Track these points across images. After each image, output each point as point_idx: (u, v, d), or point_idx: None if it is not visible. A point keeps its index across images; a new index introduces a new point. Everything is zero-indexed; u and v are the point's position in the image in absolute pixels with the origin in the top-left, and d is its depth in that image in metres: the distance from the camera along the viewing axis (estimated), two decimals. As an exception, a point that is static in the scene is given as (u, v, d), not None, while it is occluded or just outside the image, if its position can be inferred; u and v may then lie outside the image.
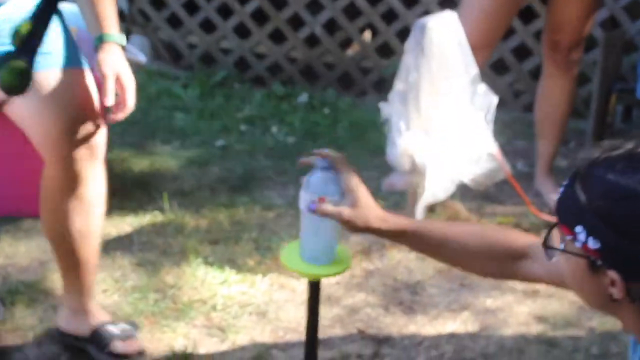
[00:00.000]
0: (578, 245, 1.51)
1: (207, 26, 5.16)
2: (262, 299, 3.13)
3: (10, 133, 2.77)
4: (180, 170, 3.98)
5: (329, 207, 1.92)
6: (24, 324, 2.93)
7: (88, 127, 2.53)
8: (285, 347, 2.90)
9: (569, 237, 1.53)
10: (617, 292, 1.50)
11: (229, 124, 4.55)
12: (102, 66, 2.46)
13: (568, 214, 1.55)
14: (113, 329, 2.83)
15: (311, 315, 2.27)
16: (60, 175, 2.60)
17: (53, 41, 2.48)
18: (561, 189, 1.59)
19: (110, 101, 2.45)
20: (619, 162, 1.52)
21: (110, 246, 3.40)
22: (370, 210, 1.90)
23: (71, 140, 2.52)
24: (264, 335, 2.94)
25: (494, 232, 1.95)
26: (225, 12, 5.11)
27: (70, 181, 2.61)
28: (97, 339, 2.82)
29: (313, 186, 2.02)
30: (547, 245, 1.61)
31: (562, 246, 1.56)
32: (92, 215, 2.72)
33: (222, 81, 5.05)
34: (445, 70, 3.24)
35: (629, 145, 1.55)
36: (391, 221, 1.91)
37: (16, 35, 2.35)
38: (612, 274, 1.49)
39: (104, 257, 3.31)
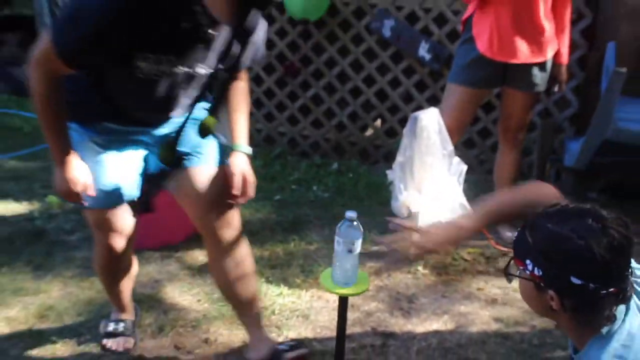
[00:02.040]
0: (527, 272, 1.58)
1: (269, 117, 5.19)
2: (306, 306, 3.14)
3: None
4: (250, 216, 3.98)
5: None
6: (143, 323, 2.96)
7: (225, 207, 2.51)
8: (322, 340, 2.91)
9: (521, 267, 1.60)
10: (555, 304, 1.56)
11: (283, 185, 4.56)
12: (233, 167, 2.45)
13: (520, 251, 1.62)
14: (285, 346, 2.76)
15: (340, 319, 2.33)
16: (213, 240, 2.56)
17: (206, 144, 2.49)
18: (516, 234, 1.65)
19: (237, 191, 2.45)
20: (555, 216, 1.59)
21: (203, 270, 3.41)
22: (438, 229, 1.91)
23: (212, 216, 2.49)
24: (307, 331, 2.95)
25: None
26: (280, 107, 5.14)
27: (218, 246, 2.56)
28: (277, 356, 2.71)
29: (342, 233, 2.08)
30: (506, 272, 1.66)
31: (518, 273, 1.62)
32: (245, 266, 2.65)
33: (279, 154, 5.06)
34: (430, 148, 3.27)
35: (562, 204, 1.62)
36: (467, 225, 1.89)
37: (202, 126, 2.40)
38: (551, 293, 1.56)
39: (197, 277, 3.36)
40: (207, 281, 3.33)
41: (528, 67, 3.51)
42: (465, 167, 3.41)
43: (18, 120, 5.75)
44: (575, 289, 1.51)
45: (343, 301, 2.29)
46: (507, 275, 1.67)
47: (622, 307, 1.58)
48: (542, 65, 3.54)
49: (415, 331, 2.99)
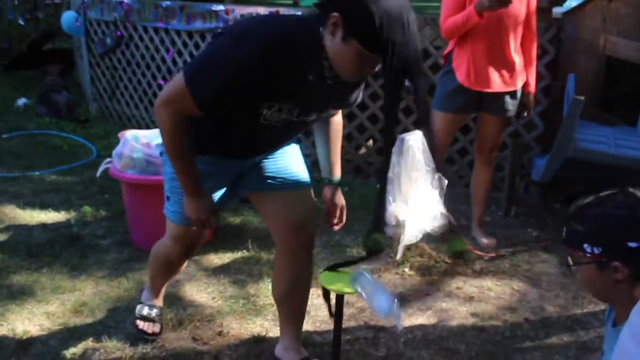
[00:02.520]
0: (588, 255, 1.55)
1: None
2: (308, 303, 3.09)
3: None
4: (259, 224, 3.93)
5: None
6: (165, 317, 2.91)
7: (309, 231, 2.45)
8: (321, 332, 2.87)
9: (580, 254, 1.57)
10: (620, 275, 1.53)
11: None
12: (333, 198, 2.44)
13: (575, 241, 1.59)
14: None
15: (337, 314, 2.30)
16: (286, 261, 2.50)
17: (295, 169, 2.41)
18: (563, 234, 1.64)
19: (336, 220, 2.45)
20: (592, 203, 1.59)
21: (217, 271, 3.38)
22: None
23: (295, 238, 2.43)
24: (307, 325, 2.89)
25: None
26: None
27: (292, 267, 2.49)
28: None
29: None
30: (570, 266, 1.64)
31: (579, 262, 1.60)
32: (305, 287, 2.60)
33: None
34: (415, 165, 3.24)
35: (592, 196, 1.61)
36: None
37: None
38: (615, 264, 1.52)
39: (212, 277, 3.32)
40: (220, 281, 3.30)
41: (501, 95, 3.49)
42: (446, 182, 3.37)
43: (58, 140, 5.73)
44: (634, 252, 1.50)
45: (340, 298, 2.27)
46: (568, 267, 1.64)
47: None
48: (512, 94, 3.53)
49: (403, 325, 2.93)
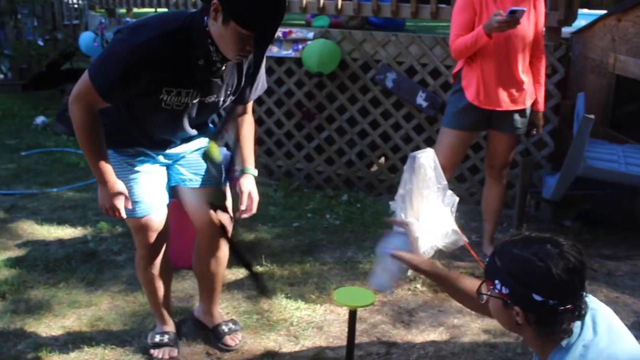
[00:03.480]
0: (497, 291, 1.57)
1: (288, 155, 5.17)
2: (320, 319, 3.10)
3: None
4: (272, 241, 3.96)
5: (402, 253, 2.00)
6: (179, 333, 2.92)
7: (224, 218, 2.64)
8: (334, 348, 2.86)
9: (491, 287, 1.60)
10: (520, 319, 1.56)
11: (300, 213, 4.52)
12: (242, 186, 2.57)
13: (490, 273, 1.62)
14: (225, 328, 2.89)
15: (350, 330, 2.29)
16: (205, 242, 2.73)
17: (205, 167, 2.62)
18: (487, 259, 1.65)
19: (243, 207, 2.56)
20: (519, 242, 1.60)
21: (231, 287, 3.39)
22: (420, 258, 2.01)
23: (214, 225, 2.64)
24: (321, 340, 2.91)
25: (468, 283, 1.93)
26: (298, 146, 5.13)
27: (210, 246, 2.74)
28: (216, 333, 2.89)
29: (392, 241, 2.08)
30: (478, 292, 1.67)
31: (489, 292, 1.61)
32: (222, 265, 2.83)
33: (297, 187, 5.02)
34: (426, 182, 3.24)
35: (526, 233, 1.63)
36: (424, 265, 1.98)
37: (206, 153, 2.56)
38: (517, 309, 1.56)
39: (227, 293, 3.32)
40: (234, 296, 3.31)
41: (510, 113, 3.49)
42: (457, 199, 3.36)
43: (75, 157, 5.78)
44: (537, 305, 1.52)
45: (352, 314, 2.27)
46: (479, 294, 1.67)
47: (578, 323, 1.58)
48: (522, 112, 3.53)
49: (415, 341, 2.93)
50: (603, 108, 4.73)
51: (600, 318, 1.63)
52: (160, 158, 2.56)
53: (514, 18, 3.15)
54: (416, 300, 3.29)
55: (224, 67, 2.25)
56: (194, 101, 2.29)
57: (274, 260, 3.67)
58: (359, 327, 3.00)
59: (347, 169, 5.03)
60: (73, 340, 2.89)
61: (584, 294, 1.59)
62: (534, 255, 1.54)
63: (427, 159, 3.28)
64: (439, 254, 3.40)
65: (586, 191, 3.99)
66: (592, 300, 1.67)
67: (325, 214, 4.49)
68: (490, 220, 3.80)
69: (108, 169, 2.32)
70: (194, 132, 2.51)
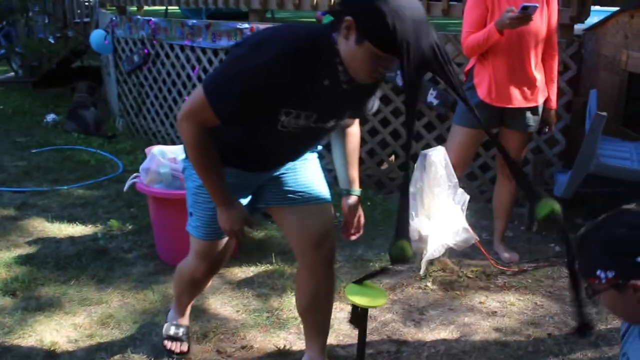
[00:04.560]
0: (603, 282, 1.51)
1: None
2: (331, 316, 3.09)
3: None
4: (282, 239, 3.93)
5: None
6: (190, 330, 2.90)
7: (329, 244, 2.42)
8: (344, 346, 2.85)
9: (596, 282, 1.53)
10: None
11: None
12: (352, 210, 2.41)
13: (587, 270, 1.56)
14: None
15: (362, 328, 2.28)
16: (307, 274, 2.47)
17: (314, 184, 2.39)
18: (577, 265, 1.62)
19: (355, 230, 2.45)
20: (594, 228, 1.56)
21: (241, 284, 3.39)
22: None
23: (315, 252, 2.40)
24: (331, 338, 2.87)
25: None
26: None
27: (314, 279, 2.47)
28: None
29: None
30: (591, 297, 1.59)
31: (597, 289, 1.55)
32: (328, 298, 2.57)
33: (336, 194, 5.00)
34: (437, 180, 3.23)
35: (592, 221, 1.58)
36: None
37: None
38: (632, 282, 1.48)
39: (236, 291, 3.33)
40: (245, 294, 3.30)
41: (522, 111, 3.47)
42: (468, 197, 3.36)
43: (85, 155, 5.80)
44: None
45: (364, 311, 2.25)
46: (590, 298, 1.59)
47: None
48: (534, 109, 3.51)
49: (425, 339, 2.92)
50: (615, 105, 4.69)
51: None
52: (255, 180, 2.35)
53: (526, 14, 3.13)
54: (427, 298, 3.28)
55: (348, 88, 1.98)
56: (312, 125, 2.05)
57: (284, 259, 3.67)
58: (369, 325, 2.97)
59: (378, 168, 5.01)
60: (84, 338, 2.89)
61: None
62: (613, 228, 1.51)
63: (437, 157, 3.28)
64: (450, 252, 3.41)
65: (598, 189, 3.95)
66: None
67: (335, 212, 4.42)
68: (502, 218, 3.78)
69: (227, 188, 2.15)
70: (303, 154, 2.35)
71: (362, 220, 2.44)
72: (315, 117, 2.03)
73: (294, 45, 1.89)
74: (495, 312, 3.16)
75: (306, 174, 2.38)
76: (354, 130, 2.37)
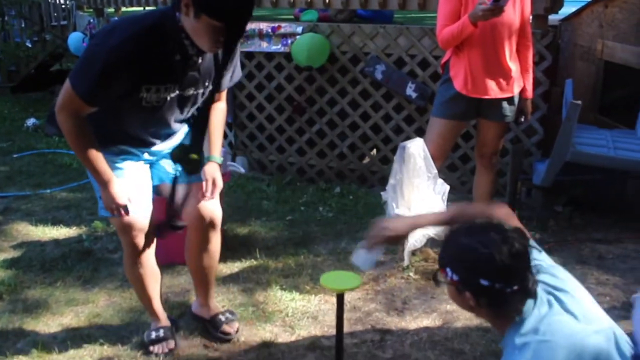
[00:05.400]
0: (448, 278, 1.70)
1: (280, 149, 5.23)
2: (315, 309, 3.17)
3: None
4: (266, 234, 4.02)
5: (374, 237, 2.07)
6: (177, 327, 3.00)
7: (217, 211, 2.74)
8: (329, 337, 2.92)
9: (444, 275, 1.72)
10: (472, 302, 1.68)
11: (293, 207, 4.56)
12: (206, 173, 2.63)
13: (442, 261, 1.74)
14: (222, 317, 2.95)
15: (339, 313, 2.36)
16: (196, 236, 2.79)
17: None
18: (440, 254, 1.77)
19: (207, 192, 2.63)
20: (465, 231, 1.73)
21: (226, 280, 3.45)
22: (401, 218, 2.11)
23: (205, 219, 2.71)
24: (316, 330, 2.98)
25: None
26: (290, 141, 5.19)
27: (201, 240, 2.80)
28: (213, 323, 2.95)
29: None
30: (435, 280, 1.77)
31: (443, 280, 1.74)
32: (213, 258, 2.88)
33: (289, 181, 5.06)
34: (417, 171, 3.31)
35: (474, 221, 1.75)
36: (428, 216, 2.24)
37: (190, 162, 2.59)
38: (467, 294, 1.68)
39: (222, 287, 3.38)
40: (230, 290, 3.37)
41: (498, 101, 3.56)
42: (448, 187, 3.44)
43: (68, 158, 5.83)
44: (485, 289, 1.63)
45: (340, 297, 2.34)
46: (436, 281, 1.77)
47: (531, 301, 1.68)
48: (510, 100, 3.59)
49: (409, 327, 3.01)
50: (592, 94, 4.80)
51: (562, 294, 1.72)
52: (145, 155, 2.62)
53: (498, 6, 3.21)
54: (409, 288, 3.36)
55: (200, 60, 2.34)
56: (172, 95, 2.36)
57: (268, 253, 3.74)
58: (354, 315, 3.08)
59: (339, 162, 5.10)
60: (71, 338, 2.95)
61: (531, 273, 1.69)
62: (478, 242, 1.65)
63: (416, 149, 3.35)
64: (432, 242, 3.49)
65: (576, 176, 4.06)
66: (559, 278, 1.77)
67: (318, 206, 4.55)
68: (482, 208, 3.86)
69: (106, 170, 2.40)
70: (177, 127, 2.59)
71: (219, 185, 2.65)
72: (173, 88, 2.34)
73: (139, 26, 2.19)
74: (477, 298, 3.23)
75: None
76: (220, 106, 2.67)
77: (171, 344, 2.85)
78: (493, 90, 3.51)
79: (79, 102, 2.21)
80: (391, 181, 3.40)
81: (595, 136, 4.04)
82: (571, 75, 4.71)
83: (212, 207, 2.72)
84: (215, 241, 2.83)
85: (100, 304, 3.25)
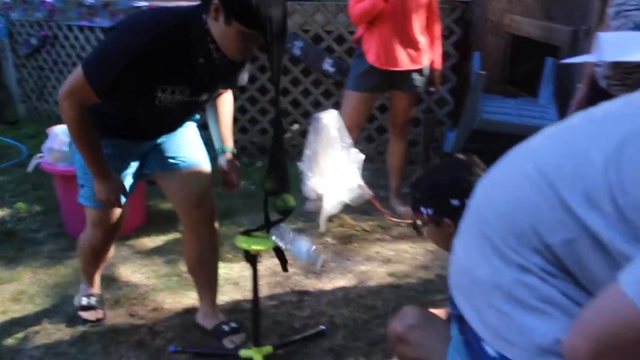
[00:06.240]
0: (425, 217, 1.81)
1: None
2: (236, 276, 3.31)
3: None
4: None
5: None
6: (103, 297, 3.08)
7: (209, 204, 2.67)
8: (249, 300, 2.94)
9: (420, 216, 1.82)
10: (452, 230, 1.75)
11: (217, 182, 4.64)
12: (225, 164, 2.60)
13: (414, 205, 1.86)
14: (225, 327, 2.80)
15: (253, 272, 2.50)
16: (191, 234, 2.72)
17: (191, 149, 2.61)
18: (412, 200, 1.89)
19: (233, 183, 2.64)
20: (428, 170, 1.92)
21: (150, 253, 3.57)
22: None
23: (196, 211, 2.65)
24: (237, 295, 3.13)
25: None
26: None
27: (198, 235, 2.71)
28: (217, 332, 2.80)
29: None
30: (415, 228, 1.88)
31: (421, 223, 1.85)
32: (214, 252, 2.83)
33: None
34: (330, 141, 3.46)
35: (427, 167, 1.91)
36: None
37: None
38: (446, 221, 1.77)
39: (146, 259, 3.49)
40: (154, 262, 3.48)
41: (408, 73, 3.77)
42: (363, 157, 3.57)
43: (-13, 142, 5.78)
44: (458, 209, 1.70)
45: (252, 257, 2.48)
46: (416, 229, 1.87)
47: None
48: (420, 71, 3.81)
49: (325, 288, 3.18)
50: (501, 66, 5.08)
51: None
52: (140, 148, 2.55)
53: None
54: (326, 252, 3.55)
55: (222, 65, 2.21)
56: (187, 98, 2.27)
57: (193, 227, 3.84)
58: (273, 279, 3.25)
59: (261, 137, 5.23)
60: (-3, 314, 3.01)
61: None
62: (438, 174, 1.82)
63: (329, 119, 3.50)
64: (348, 208, 3.67)
65: (484, 143, 4.31)
66: None
67: (241, 180, 4.63)
68: (396, 176, 4.09)
69: (103, 162, 2.35)
70: (180, 126, 2.56)
71: (239, 173, 2.64)
72: (189, 92, 2.25)
73: (169, 25, 2.08)
74: (390, 259, 3.47)
75: (185, 141, 2.60)
76: (226, 96, 2.63)
77: (100, 313, 2.94)
78: (404, 62, 3.72)
79: (90, 92, 2.12)
80: (307, 152, 3.51)
81: (501, 105, 4.31)
82: (482, 48, 4.97)
83: (206, 197, 2.66)
84: (214, 237, 2.77)
85: (25, 282, 3.31)
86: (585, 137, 1.09)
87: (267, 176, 2.41)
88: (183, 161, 2.59)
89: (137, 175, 2.60)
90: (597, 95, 2.89)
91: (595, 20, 3.86)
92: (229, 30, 2.04)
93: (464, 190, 1.68)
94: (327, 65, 4.87)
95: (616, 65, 2.86)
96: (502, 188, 1.22)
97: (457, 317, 1.33)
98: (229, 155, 2.61)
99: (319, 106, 5.02)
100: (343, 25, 4.81)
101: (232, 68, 2.33)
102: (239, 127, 5.20)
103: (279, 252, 2.48)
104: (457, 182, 1.76)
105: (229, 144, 2.63)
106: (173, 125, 2.54)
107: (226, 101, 2.63)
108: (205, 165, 2.65)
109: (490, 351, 1.18)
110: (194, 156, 2.61)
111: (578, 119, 1.17)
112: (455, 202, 1.75)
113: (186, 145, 2.61)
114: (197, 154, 2.63)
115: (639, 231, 0.97)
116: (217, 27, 2.06)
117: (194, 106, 2.41)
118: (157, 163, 2.60)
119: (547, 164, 1.11)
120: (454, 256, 1.34)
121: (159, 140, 2.57)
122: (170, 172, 2.59)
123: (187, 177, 2.59)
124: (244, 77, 2.52)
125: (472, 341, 1.25)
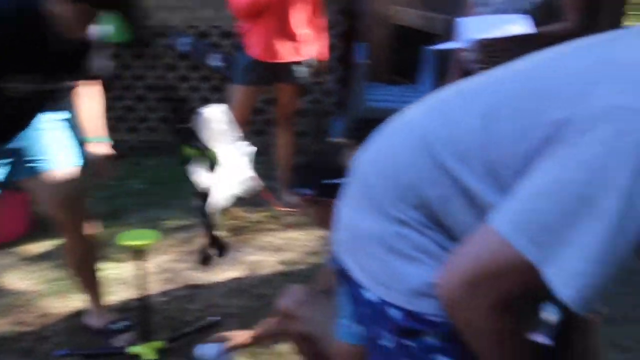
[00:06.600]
0: (306, 198, 1.88)
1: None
2: (126, 275, 3.23)
3: None
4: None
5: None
6: None
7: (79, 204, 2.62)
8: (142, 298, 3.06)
9: (303, 198, 1.90)
10: (331, 206, 1.67)
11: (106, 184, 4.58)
12: (98, 153, 2.50)
13: (295, 190, 1.94)
14: (114, 326, 2.78)
15: (139, 268, 2.51)
16: (68, 237, 2.68)
17: (56, 149, 2.51)
18: (293, 183, 1.98)
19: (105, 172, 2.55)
20: (304, 160, 1.96)
21: (37, 259, 3.50)
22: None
23: (67, 212, 2.58)
24: (127, 293, 3.09)
25: None
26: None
27: (75, 240, 2.67)
28: (106, 331, 2.77)
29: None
30: (307, 214, 1.98)
31: (307, 205, 1.91)
32: (92, 251, 2.77)
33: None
34: (217, 135, 3.49)
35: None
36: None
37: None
38: (325, 199, 1.81)
39: (34, 265, 3.43)
40: (41, 267, 3.40)
41: (290, 65, 3.85)
42: (253, 149, 3.63)
43: None
44: (330, 187, 1.76)
45: (139, 252, 2.49)
46: (307, 213, 1.96)
47: None
48: (301, 63, 3.89)
49: (217, 280, 3.21)
50: (387, 56, 5.25)
51: None
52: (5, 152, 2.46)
53: None
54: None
55: (69, 49, 2.20)
56: (44, 87, 2.23)
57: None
58: (164, 276, 3.25)
59: (151, 135, 5.18)
60: None
61: None
62: (312, 158, 2.01)
63: (212, 114, 3.53)
64: (239, 201, 3.71)
65: (369, 130, 4.45)
66: None
67: (130, 180, 4.60)
68: (284, 167, 4.16)
69: None
70: (34, 119, 2.46)
71: (109, 162, 2.57)
72: (40, 79, 2.20)
73: (8, 13, 2.04)
74: (281, 248, 3.55)
75: (48, 143, 2.52)
76: (90, 89, 2.56)
77: None
78: (284, 54, 3.79)
79: None
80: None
81: (385, 93, 4.47)
82: (369, 39, 5.11)
83: (76, 197, 2.61)
84: (88, 239, 2.72)
85: None
86: (458, 106, 1.21)
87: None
88: (45, 164, 2.51)
89: (3, 185, 2.52)
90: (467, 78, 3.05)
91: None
92: (75, 10, 2.05)
93: (338, 169, 1.75)
94: (217, 61, 4.88)
95: (482, 49, 3.03)
96: (384, 153, 1.32)
97: (342, 274, 1.41)
98: (91, 147, 2.52)
99: (207, 102, 5.00)
100: (229, 21, 4.82)
101: (78, 53, 2.29)
102: (128, 126, 5.14)
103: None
104: (331, 163, 1.87)
105: (94, 134, 2.54)
106: (33, 115, 2.43)
107: (90, 94, 2.57)
108: (71, 166, 2.57)
109: (373, 297, 1.28)
110: (56, 158, 2.53)
111: (450, 92, 1.28)
112: (330, 181, 1.82)
113: (49, 147, 2.52)
114: (61, 155, 2.55)
115: (504, 183, 1.08)
116: (62, 8, 2.05)
117: (48, 95, 2.33)
118: (20, 169, 2.51)
119: (426, 132, 1.22)
120: (338, 221, 1.41)
121: (20, 145, 2.48)
122: (33, 177, 2.52)
123: (51, 180, 2.52)
124: (100, 65, 2.45)
125: (355, 291, 1.34)
